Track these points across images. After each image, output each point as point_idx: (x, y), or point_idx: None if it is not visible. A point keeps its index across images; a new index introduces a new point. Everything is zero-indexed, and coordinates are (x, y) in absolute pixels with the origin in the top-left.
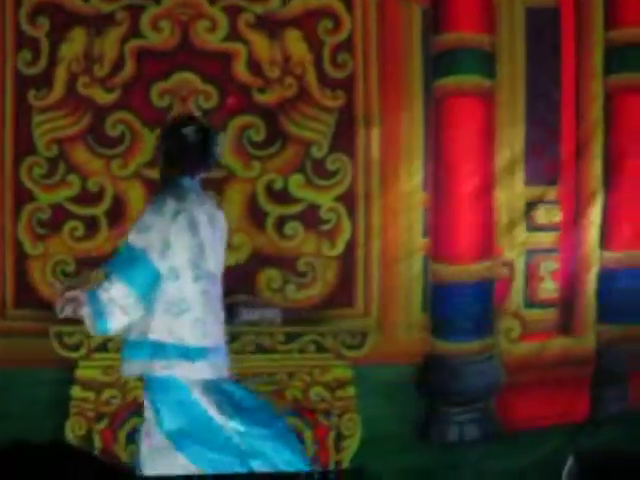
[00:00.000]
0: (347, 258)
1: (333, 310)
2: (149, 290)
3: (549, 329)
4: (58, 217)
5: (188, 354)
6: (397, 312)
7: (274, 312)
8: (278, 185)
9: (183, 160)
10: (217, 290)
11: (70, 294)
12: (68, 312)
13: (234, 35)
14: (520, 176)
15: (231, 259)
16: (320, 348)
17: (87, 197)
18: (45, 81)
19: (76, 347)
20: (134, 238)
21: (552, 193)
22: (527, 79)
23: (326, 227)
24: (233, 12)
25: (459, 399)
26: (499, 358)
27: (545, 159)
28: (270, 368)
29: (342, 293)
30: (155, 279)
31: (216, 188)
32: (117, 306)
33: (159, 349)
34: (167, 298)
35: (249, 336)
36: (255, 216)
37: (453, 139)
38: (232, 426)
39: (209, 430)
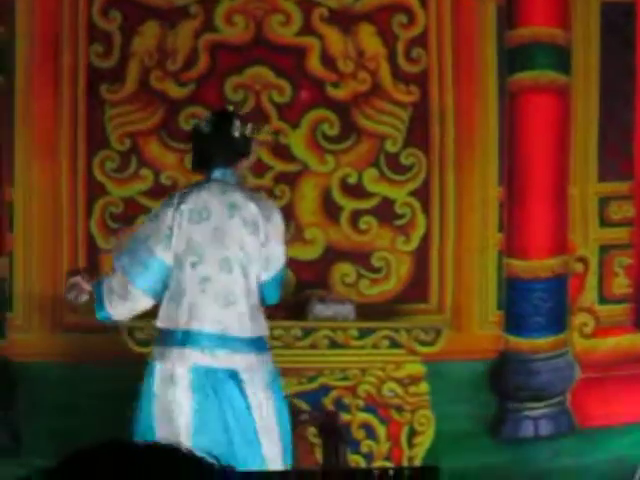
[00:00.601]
0: (421, 253)
1: (407, 306)
2: (152, 280)
3: (623, 324)
4: (130, 211)
5: (179, 339)
6: (471, 308)
7: (348, 307)
8: (352, 179)
9: (198, 150)
10: (233, 277)
11: (72, 280)
12: (71, 297)
13: (308, 29)
14: (594, 171)
15: (305, 254)
16: (394, 344)
17: (160, 191)
18: (118, 75)
19: (147, 342)
20: (141, 229)
21: (625, 188)
22: (601, 74)
23: (400, 222)
24: (307, 6)
25: (533, 395)
26: (573, 354)
27: (619, 154)
28: (343, 364)
29: (416, 288)
30: (160, 269)
31: (290, 182)
32: (115, 294)
33: (163, 336)
34: (171, 286)
35: (323, 331)
36: (329, 210)
37: (528, 134)
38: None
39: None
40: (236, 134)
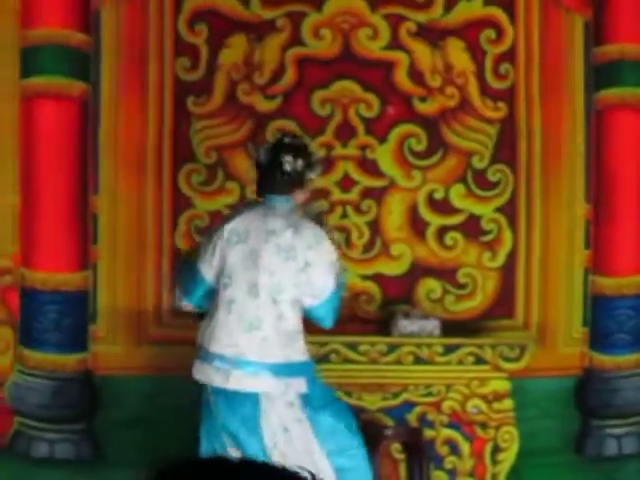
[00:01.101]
0: (508, 269)
1: (492, 322)
2: (200, 297)
3: None
4: (216, 224)
5: (202, 356)
6: (557, 325)
7: (433, 323)
8: (439, 195)
9: (257, 178)
10: (259, 302)
11: None
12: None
13: (395, 44)
14: None
15: (391, 269)
16: (478, 360)
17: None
18: (204, 88)
19: None
20: (199, 247)
21: None
22: None
23: (487, 238)
24: (395, 20)
25: (617, 413)
26: None
27: None
28: (428, 379)
29: (502, 305)
30: (205, 287)
31: (376, 197)
32: (179, 304)
33: (198, 351)
34: (211, 304)
35: (408, 347)
36: (415, 226)
37: (614, 151)
38: None
39: None
40: (287, 168)
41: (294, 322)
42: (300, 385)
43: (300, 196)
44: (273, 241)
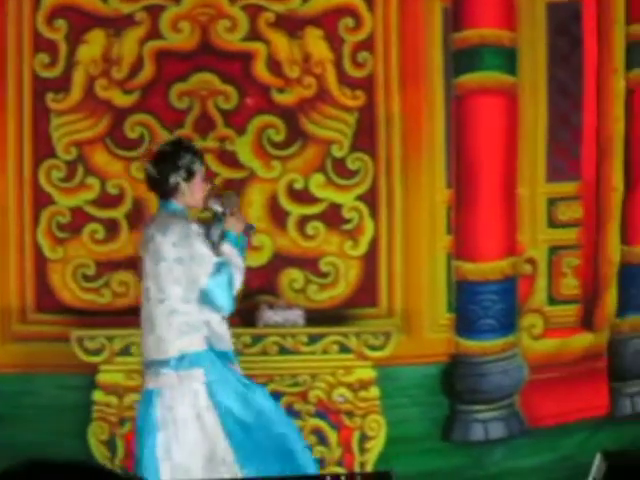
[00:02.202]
0: (370, 257)
1: (356, 310)
2: None
3: (572, 325)
4: (78, 220)
5: None
6: (421, 312)
7: (297, 313)
8: (299, 185)
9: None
10: (150, 305)
11: None
12: None
13: (254, 35)
14: (542, 173)
15: (253, 260)
16: (343, 349)
17: (107, 200)
18: (63, 84)
19: (97, 351)
20: None
21: (574, 189)
22: (549, 75)
23: (348, 227)
24: (253, 11)
25: (483, 398)
26: (522, 355)
27: (567, 155)
28: (293, 369)
29: (365, 293)
30: None
31: (236, 189)
32: None
33: None
34: None
35: (272, 338)
36: (276, 216)
37: (475, 136)
38: None
39: None
40: (149, 175)
41: (185, 315)
42: (200, 374)
43: (185, 198)
44: (149, 247)
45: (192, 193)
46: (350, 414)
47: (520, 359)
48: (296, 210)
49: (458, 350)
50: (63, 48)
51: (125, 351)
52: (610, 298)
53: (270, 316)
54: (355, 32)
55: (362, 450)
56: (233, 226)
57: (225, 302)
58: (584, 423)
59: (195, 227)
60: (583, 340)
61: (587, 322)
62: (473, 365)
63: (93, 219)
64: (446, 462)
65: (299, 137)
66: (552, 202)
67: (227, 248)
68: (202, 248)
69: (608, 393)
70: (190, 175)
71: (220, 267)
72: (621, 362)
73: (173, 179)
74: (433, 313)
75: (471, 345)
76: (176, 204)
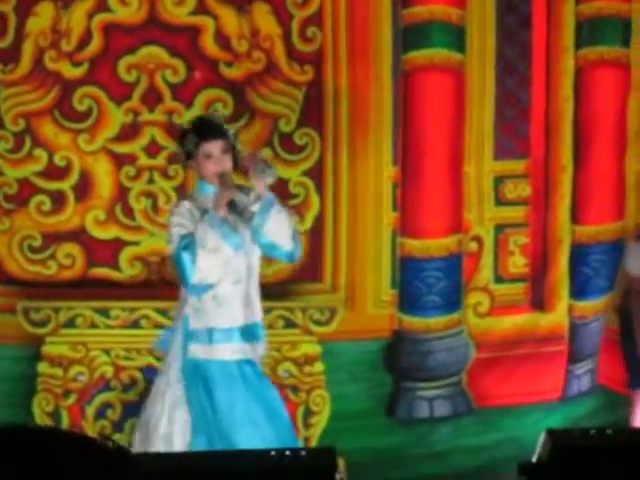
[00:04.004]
0: (315, 233)
1: (301, 285)
2: None
3: (519, 304)
4: (25, 192)
5: None
6: (365, 288)
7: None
8: (193, 170)
9: None
10: None
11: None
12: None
13: (202, 9)
14: (489, 150)
15: None
16: (289, 324)
17: (54, 172)
18: (12, 55)
19: (43, 323)
20: None
21: (521, 167)
22: (497, 53)
23: (294, 202)
24: None
25: (428, 375)
26: (468, 333)
27: (515, 133)
28: None
29: (310, 268)
30: None
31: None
32: None
33: None
34: None
35: None
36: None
37: (422, 113)
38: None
39: None
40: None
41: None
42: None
43: (203, 175)
44: None
45: (201, 171)
46: (295, 389)
47: (466, 337)
48: (241, 183)
49: (401, 326)
50: (12, 19)
51: (70, 323)
52: (560, 277)
53: None
54: (304, 7)
55: (306, 425)
56: (217, 202)
57: (180, 273)
58: (537, 405)
59: (185, 203)
60: (531, 319)
61: (536, 301)
62: (417, 342)
63: (40, 191)
64: (391, 439)
65: (247, 111)
66: (499, 180)
67: (200, 229)
68: (171, 221)
69: (565, 376)
70: (189, 155)
71: (179, 240)
72: (579, 346)
73: (183, 160)
74: (377, 289)
75: (415, 322)
76: (203, 182)
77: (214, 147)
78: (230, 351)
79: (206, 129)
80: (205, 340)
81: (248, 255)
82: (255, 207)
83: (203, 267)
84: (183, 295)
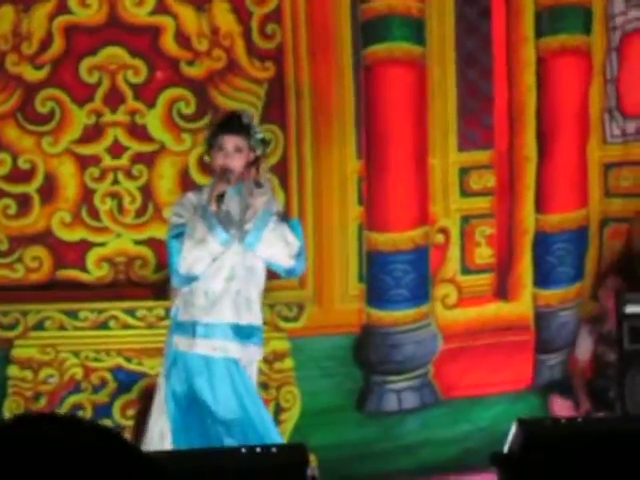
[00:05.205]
0: None
1: (269, 282)
2: None
3: (486, 294)
4: None
5: None
6: (333, 283)
7: None
8: (208, 158)
9: None
10: None
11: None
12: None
13: (161, 9)
14: (453, 142)
15: (165, 233)
16: None
17: (18, 175)
18: None
19: (12, 326)
20: None
21: (485, 158)
22: (457, 45)
23: None
24: None
25: (396, 368)
26: (435, 325)
27: (478, 124)
28: None
29: None
30: None
31: (147, 162)
32: None
33: None
34: None
35: None
36: (187, 189)
37: (385, 107)
38: None
39: None
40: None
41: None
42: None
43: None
44: None
45: (212, 163)
46: (265, 386)
47: (434, 329)
48: (207, 183)
49: (370, 321)
50: None
51: (39, 326)
52: (525, 267)
53: None
54: (262, 4)
55: (277, 422)
56: (209, 194)
57: (168, 261)
58: (504, 395)
59: (189, 195)
60: (497, 309)
61: (501, 291)
62: (385, 335)
63: (5, 194)
64: (360, 433)
65: (209, 109)
66: (464, 171)
67: (192, 220)
68: (172, 211)
69: (533, 366)
70: (210, 147)
71: (172, 229)
72: (547, 335)
73: (206, 151)
74: (344, 284)
75: (383, 315)
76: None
77: (229, 142)
78: (210, 347)
79: (227, 123)
80: (189, 333)
81: (248, 255)
82: (248, 226)
83: (187, 257)
84: (175, 289)
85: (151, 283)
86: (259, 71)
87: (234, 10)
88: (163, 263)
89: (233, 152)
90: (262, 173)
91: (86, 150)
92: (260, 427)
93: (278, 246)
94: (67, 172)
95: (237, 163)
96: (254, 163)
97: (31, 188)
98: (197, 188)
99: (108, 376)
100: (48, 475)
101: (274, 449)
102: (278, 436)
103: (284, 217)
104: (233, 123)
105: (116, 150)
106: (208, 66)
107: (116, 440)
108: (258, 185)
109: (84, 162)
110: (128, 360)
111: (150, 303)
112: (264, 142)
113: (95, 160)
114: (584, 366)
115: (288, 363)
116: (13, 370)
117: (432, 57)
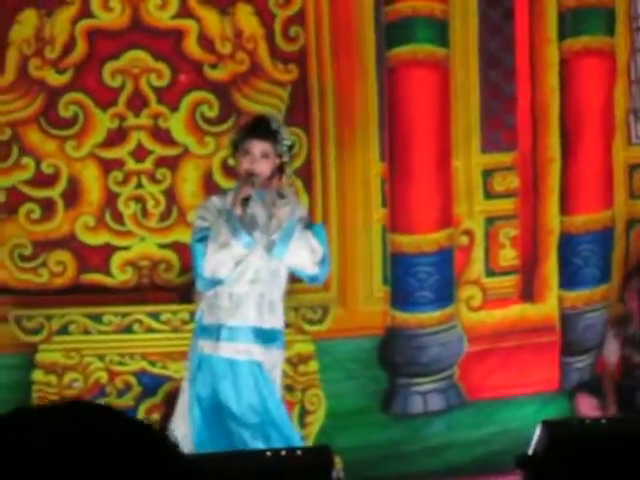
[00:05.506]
0: None
1: (293, 285)
2: None
3: (510, 296)
4: (13, 200)
5: None
6: (357, 285)
7: None
8: (233, 161)
9: None
10: None
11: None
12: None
13: (184, 12)
14: (477, 144)
15: (189, 237)
16: None
17: (42, 179)
18: None
19: (36, 331)
20: None
21: (509, 160)
22: (481, 46)
23: None
24: None
25: (422, 370)
26: (461, 327)
27: (501, 126)
28: None
29: None
30: None
31: (171, 166)
32: None
33: None
34: None
35: None
36: (211, 192)
37: (408, 109)
38: None
39: None
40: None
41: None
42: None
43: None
44: None
45: (238, 167)
46: (290, 388)
47: (459, 331)
48: (230, 186)
49: (394, 323)
50: None
51: (63, 330)
52: (550, 268)
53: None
54: (286, 7)
55: (303, 424)
56: (234, 198)
57: (193, 265)
58: (532, 397)
59: (213, 198)
60: (522, 311)
61: (527, 293)
62: (410, 337)
63: (29, 199)
64: (386, 435)
65: (232, 112)
66: (488, 173)
67: (217, 223)
68: (196, 214)
69: (559, 368)
70: (235, 150)
71: (197, 232)
72: (573, 337)
73: (232, 153)
74: (369, 286)
75: (407, 317)
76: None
77: (255, 147)
78: (234, 350)
79: (255, 127)
80: (213, 336)
81: (272, 259)
82: (275, 236)
83: (211, 260)
84: (200, 292)
85: (175, 287)
86: (282, 74)
87: (257, 13)
88: (187, 267)
89: (260, 157)
90: (286, 180)
91: (110, 154)
92: (284, 430)
93: (304, 254)
94: (91, 176)
95: (263, 168)
96: (279, 169)
97: (55, 192)
98: (221, 191)
99: (132, 380)
100: (98, 465)
101: (299, 451)
102: (299, 440)
103: (308, 223)
104: (261, 128)
105: (140, 154)
106: (231, 69)
107: (160, 437)
108: (281, 196)
109: (108, 166)
110: (152, 364)
111: (174, 307)
112: (291, 148)
113: (119, 164)
114: (613, 369)
115: (313, 366)
116: (38, 375)
117: (455, 59)
